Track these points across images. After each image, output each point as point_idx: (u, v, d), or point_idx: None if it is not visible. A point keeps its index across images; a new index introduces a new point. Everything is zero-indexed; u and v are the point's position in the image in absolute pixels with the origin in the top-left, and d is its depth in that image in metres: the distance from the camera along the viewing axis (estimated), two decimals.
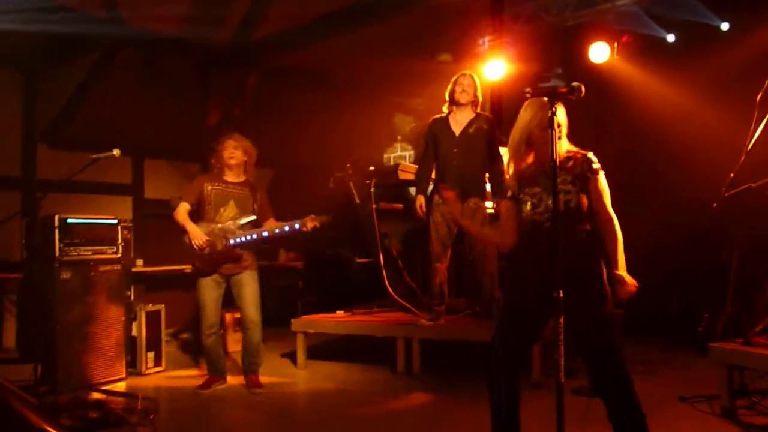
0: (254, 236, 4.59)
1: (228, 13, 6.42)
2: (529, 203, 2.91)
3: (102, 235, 5.18)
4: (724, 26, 6.22)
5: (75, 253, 4.95)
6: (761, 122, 4.16)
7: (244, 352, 4.89)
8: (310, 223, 4.43)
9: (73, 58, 6.41)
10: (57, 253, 4.84)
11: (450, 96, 5.19)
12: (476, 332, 4.99)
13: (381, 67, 7.14)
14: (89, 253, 5.05)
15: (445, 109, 5.25)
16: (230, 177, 4.85)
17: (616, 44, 6.60)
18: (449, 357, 5.44)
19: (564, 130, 2.91)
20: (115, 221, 5.30)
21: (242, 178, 4.89)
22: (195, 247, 4.65)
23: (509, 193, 3.00)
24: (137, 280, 6.53)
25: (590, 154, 2.91)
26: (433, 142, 5.25)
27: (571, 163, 2.88)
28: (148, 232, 7.06)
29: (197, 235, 4.64)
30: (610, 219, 2.87)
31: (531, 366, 4.62)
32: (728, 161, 4.33)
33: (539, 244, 2.83)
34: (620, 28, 6.55)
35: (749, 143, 4.20)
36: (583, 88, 2.60)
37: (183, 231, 4.70)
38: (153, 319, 5.54)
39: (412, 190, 5.50)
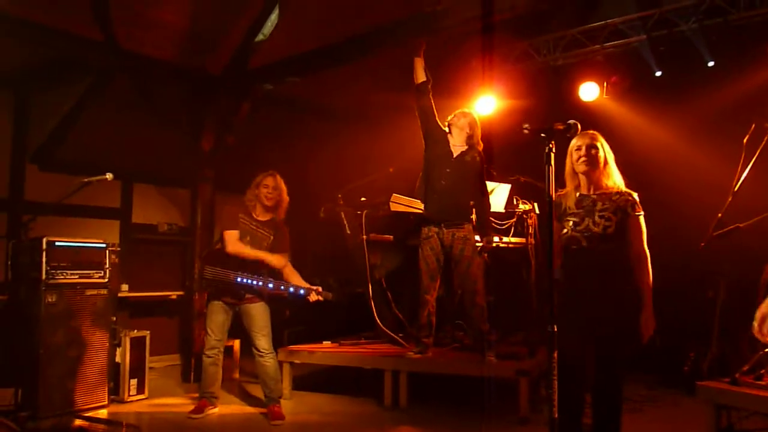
0: (259, 283, 4.63)
1: (224, 41, 6.48)
2: (571, 222, 3.28)
3: (89, 259, 5.15)
4: (710, 63, 6.26)
5: (62, 277, 4.91)
6: (748, 164, 4.26)
7: (261, 383, 4.93)
8: (314, 296, 4.63)
9: (66, 81, 6.40)
10: (44, 275, 4.79)
11: (448, 125, 5.29)
12: (464, 365, 4.98)
13: (375, 100, 7.20)
14: (76, 276, 5.02)
15: (445, 128, 5.32)
16: (260, 214, 4.92)
17: (605, 84, 6.70)
18: (437, 390, 5.40)
19: (608, 164, 3.33)
20: (104, 245, 5.27)
21: (268, 217, 4.94)
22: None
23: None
24: (122, 306, 6.45)
25: (635, 195, 3.29)
26: (433, 143, 5.31)
27: (617, 196, 3.26)
28: (135, 257, 7.00)
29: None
30: (643, 256, 3.22)
31: (518, 401, 4.59)
32: (715, 201, 4.41)
33: (579, 263, 3.14)
34: (609, 68, 6.67)
35: (736, 184, 4.28)
36: (579, 126, 2.68)
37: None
38: (137, 345, 5.48)
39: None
